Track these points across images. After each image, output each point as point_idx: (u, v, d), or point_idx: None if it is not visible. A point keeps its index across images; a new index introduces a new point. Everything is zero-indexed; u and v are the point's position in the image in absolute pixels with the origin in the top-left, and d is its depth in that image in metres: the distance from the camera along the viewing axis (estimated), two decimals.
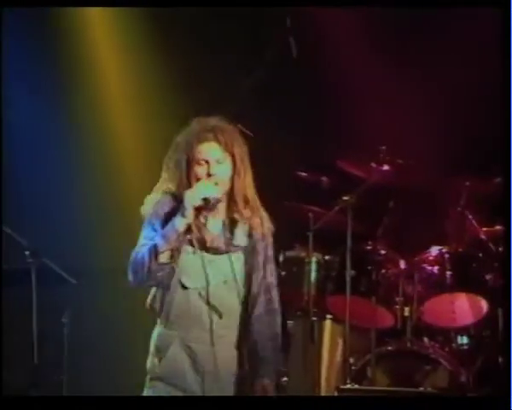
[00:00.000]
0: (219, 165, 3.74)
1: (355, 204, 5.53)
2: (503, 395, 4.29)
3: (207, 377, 3.78)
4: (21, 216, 5.91)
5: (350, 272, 5.43)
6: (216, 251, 3.80)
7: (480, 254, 5.78)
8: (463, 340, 5.67)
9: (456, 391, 5.22)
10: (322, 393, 5.66)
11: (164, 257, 3.68)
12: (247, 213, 3.86)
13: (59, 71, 6.50)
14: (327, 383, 5.56)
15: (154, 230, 3.77)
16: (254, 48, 5.93)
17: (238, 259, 3.86)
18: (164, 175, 3.90)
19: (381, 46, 6.37)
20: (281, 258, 5.53)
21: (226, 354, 3.81)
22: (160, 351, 3.81)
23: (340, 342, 5.62)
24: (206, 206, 3.71)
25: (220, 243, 3.79)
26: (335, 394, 5.53)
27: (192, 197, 3.70)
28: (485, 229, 5.91)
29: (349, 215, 5.49)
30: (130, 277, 3.74)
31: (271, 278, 3.84)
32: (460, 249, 5.72)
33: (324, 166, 5.91)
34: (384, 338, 5.68)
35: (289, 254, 5.62)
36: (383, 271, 5.76)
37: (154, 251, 3.66)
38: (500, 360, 5.37)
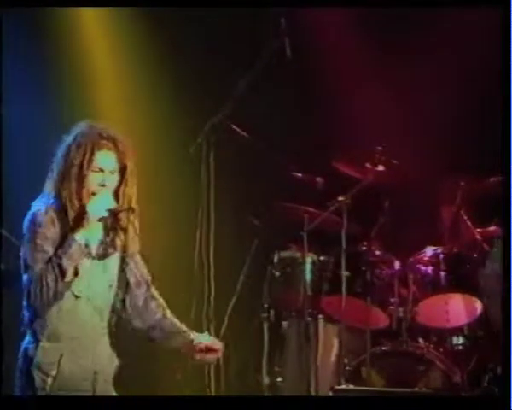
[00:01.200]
0: (112, 175, 3.70)
1: (350, 205, 5.53)
2: (503, 395, 4.28)
3: (98, 377, 3.75)
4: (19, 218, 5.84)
5: (345, 273, 5.43)
6: (101, 257, 3.75)
7: (475, 255, 5.74)
8: (458, 340, 5.63)
9: (451, 391, 5.15)
10: (317, 393, 5.49)
11: (69, 276, 3.59)
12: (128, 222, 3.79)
13: (55, 68, 6.38)
14: (321, 383, 5.49)
15: (45, 251, 3.61)
16: (249, 48, 5.78)
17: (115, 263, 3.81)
18: (50, 178, 3.77)
19: (376, 46, 6.30)
20: (275, 258, 5.55)
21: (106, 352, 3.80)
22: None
23: (335, 342, 5.61)
24: (111, 217, 3.68)
25: (102, 250, 3.74)
26: (330, 394, 5.40)
27: (97, 210, 3.63)
28: (479, 230, 5.91)
29: (344, 216, 5.50)
30: (32, 299, 3.58)
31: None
32: (455, 250, 5.68)
33: (319, 167, 5.89)
34: (379, 339, 5.65)
35: (284, 254, 5.62)
36: (378, 271, 5.77)
37: (61, 273, 3.57)
38: (493, 365, 5.26)
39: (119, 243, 3.82)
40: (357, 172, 5.77)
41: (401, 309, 5.65)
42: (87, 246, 3.70)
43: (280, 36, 5.45)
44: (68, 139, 3.77)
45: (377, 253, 5.83)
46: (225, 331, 5.46)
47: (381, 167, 5.69)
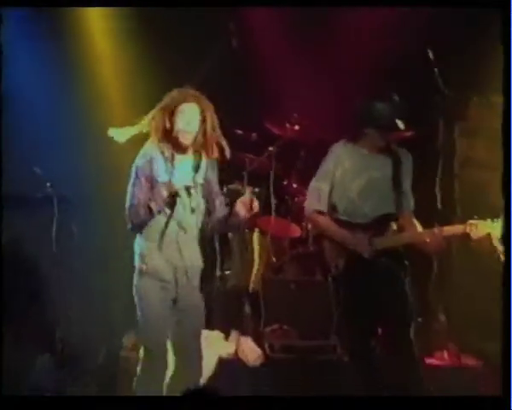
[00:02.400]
0: (195, 120, 4.49)
1: (276, 153, 6.65)
2: (503, 395, 4.18)
3: (179, 271, 4.51)
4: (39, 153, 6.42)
5: (273, 200, 6.48)
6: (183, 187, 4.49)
7: None
8: None
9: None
10: (253, 283, 6.36)
11: (156, 214, 4.43)
12: (211, 153, 4.56)
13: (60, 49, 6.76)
14: (256, 275, 6.52)
15: (142, 186, 4.44)
16: (208, 41, 6.39)
17: (196, 192, 4.54)
18: (148, 118, 4.53)
19: (299, 38, 7.07)
20: (224, 190, 6.09)
21: (191, 252, 4.56)
22: (144, 255, 4.52)
23: (266, 247, 6.63)
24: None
25: (187, 180, 4.50)
26: (261, 284, 6.25)
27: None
28: None
29: (272, 161, 6.62)
30: (129, 225, 4.48)
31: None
32: None
33: (255, 126, 6.85)
34: (295, 244, 6.70)
35: (230, 187, 6.44)
36: (295, 199, 6.82)
37: (149, 209, 4.41)
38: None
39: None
40: (280, 130, 6.78)
41: (309, 224, 6.33)
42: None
43: (229, 31, 6.25)
44: (165, 99, 4.56)
45: (295, 186, 6.87)
46: None
47: (296, 127, 6.75)
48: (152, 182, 4.50)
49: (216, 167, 4.69)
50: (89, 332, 6.29)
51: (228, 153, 4.60)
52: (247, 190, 4.68)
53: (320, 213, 5.12)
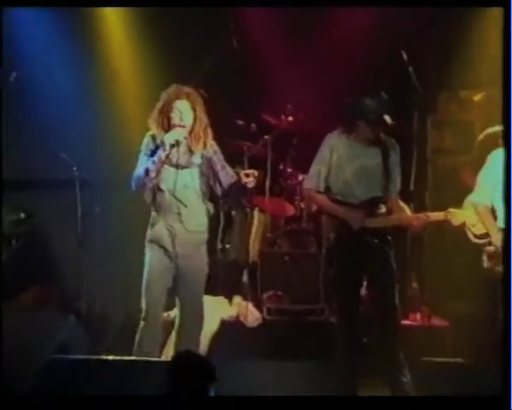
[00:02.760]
0: (187, 114, 5.04)
1: (272, 141, 6.95)
2: (503, 395, 4.15)
3: (178, 240, 5.06)
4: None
5: (268, 182, 6.81)
6: (181, 167, 5.04)
7: None
8: None
9: None
10: (252, 256, 6.66)
11: (152, 174, 5.03)
12: (201, 143, 5.08)
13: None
14: (253, 248, 6.91)
15: (145, 159, 5.07)
16: (211, 40, 6.90)
17: (194, 172, 5.07)
18: (151, 117, 5.13)
19: (293, 37, 7.38)
20: None
21: (193, 226, 5.10)
22: (153, 224, 5.14)
23: (263, 223, 7.04)
24: (177, 144, 5.00)
25: (184, 162, 5.05)
26: (258, 256, 6.63)
27: (169, 138, 4.99)
28: None
29: (269, 148, 6.93)
30: (133, 186, 5.11)
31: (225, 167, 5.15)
32: None
33: (254, 117, 7.22)
34: (289, 222, 7.13)
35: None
36: (289, 181, 7.22)
37: (147, 171, 5.02)
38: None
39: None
40: (276, 121, 7.12)
41: (302, 203, 7.03)
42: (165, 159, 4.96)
43: (230, 31, 6.71)
44: (162, 95, 5.09)
45: (289, 170, 7.25)
46: None
47: (290, 118, 7.10)
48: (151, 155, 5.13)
49: (218, 150, 5.23)
50: (109, 298, 6.86)
51: (212, 145, 5.15)
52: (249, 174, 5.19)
53: (318, 192, 5.49)
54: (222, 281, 6.67)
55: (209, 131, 5.16)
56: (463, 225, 5.69)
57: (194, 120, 5.05)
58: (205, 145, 5.12)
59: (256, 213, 7.03)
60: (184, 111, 5.06)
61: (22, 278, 6.70)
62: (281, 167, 7.32)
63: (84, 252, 6.55)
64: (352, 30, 7.25)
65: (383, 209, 5.50)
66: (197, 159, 5.12)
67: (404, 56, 6.24)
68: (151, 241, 5.17)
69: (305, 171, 5.93)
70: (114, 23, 7.42)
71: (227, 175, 5.17)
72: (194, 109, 5.08)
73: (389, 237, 5.48)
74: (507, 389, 4.12)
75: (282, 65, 7.51)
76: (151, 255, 5.14)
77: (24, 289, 6.79)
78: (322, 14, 7.14)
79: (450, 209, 5.46)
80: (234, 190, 5.17)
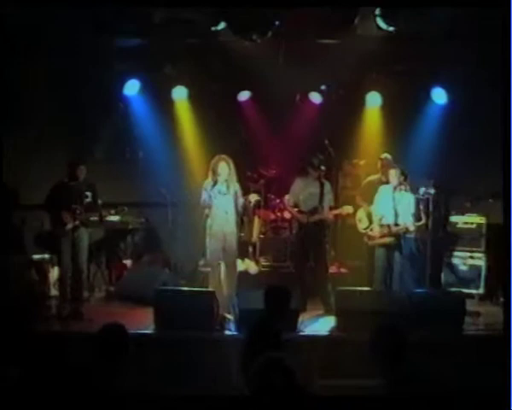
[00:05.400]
0: (225, 170, 8.89)
1: (264, 182, 11.30)
2: (503, 394, 4.21)
3: (224, 231, 9.00)
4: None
5: (262, 203, 11.17)
6: (223, 194, 8.82)
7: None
8: None
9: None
10: (253, 239, 10.77)
11: (206, 200, 8.94)
12: (232, 185, 8.88)
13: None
14: (255, 234, 11.09)
15: (205, 192, 8.85)
16: (230, 131, 10.93)
17: (231, 199, 8.88)
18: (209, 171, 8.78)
19: (273, 121, 11.13)
20: (244, 196, 9.26)
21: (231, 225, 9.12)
22: (210, 226, 9.10)
23: (259, 223, 11.33)
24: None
25: (224, 193, 8.84)
26: (257, 239, 10.88)
27: (214, 189, 8.82)
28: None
29: (262, 186, 11.35)
30: (201, 204, 8.99)
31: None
32: None
33: (255, 170, 11.44)
34: (272, 222, 11.36)
35: (245, 196, 9.53)
36: (272, 202, 11.48)
37: (204, 200, 8.96)
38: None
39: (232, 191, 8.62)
40: (266, 172, 11.35)
41: (279, 213, 11.35)
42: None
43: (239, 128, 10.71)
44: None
45: (272, 197, 11.37)
46: None
47: (273, 171, 11.42)
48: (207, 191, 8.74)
49: (239, 188, 8.92)
50: (184, 256, 11.25)
51: (235, 185, 8.80)
52: (253, 195, 9.49)
53: (290, 206, 9.59)
54: (240, 251, 9.97)
55: (235, 179, 8.76)
56: (356, 221, 10.03)
57: (229, 174, 8.69)
58: (234, 186, 8.75)
59: (256, 218, 11.09)
60: (224, 169, 8.71)
61: (142, 249, 11.52)
62: (268, 195, 11.55)
63: (172, 238, 11.05)
64: (307, 119, 11.30)
65: (319, 212, 9.60)
66: (232, 190, 8.80)
67: (326, 142, 11.78)
68: (210, 234, 8.87)
69: (281, 197, 10.25)
70: (184, 110, 11.41)
71: (241, 200, 8.87)
72: (228, 167, 8.64)
73: (323, 226, 9.72)
74: (507, 389, 4.04)
75: (269, 140, 11.63)
76: (210, 240, 8.95)
77: (143, 255, 11.58)
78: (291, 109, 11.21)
79: (344, 206, 9.86)
80: (244, 208, 8.98)
